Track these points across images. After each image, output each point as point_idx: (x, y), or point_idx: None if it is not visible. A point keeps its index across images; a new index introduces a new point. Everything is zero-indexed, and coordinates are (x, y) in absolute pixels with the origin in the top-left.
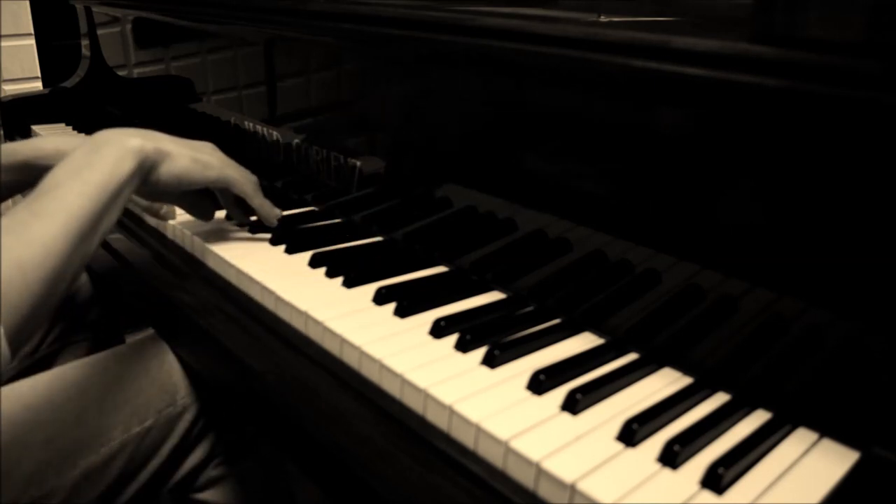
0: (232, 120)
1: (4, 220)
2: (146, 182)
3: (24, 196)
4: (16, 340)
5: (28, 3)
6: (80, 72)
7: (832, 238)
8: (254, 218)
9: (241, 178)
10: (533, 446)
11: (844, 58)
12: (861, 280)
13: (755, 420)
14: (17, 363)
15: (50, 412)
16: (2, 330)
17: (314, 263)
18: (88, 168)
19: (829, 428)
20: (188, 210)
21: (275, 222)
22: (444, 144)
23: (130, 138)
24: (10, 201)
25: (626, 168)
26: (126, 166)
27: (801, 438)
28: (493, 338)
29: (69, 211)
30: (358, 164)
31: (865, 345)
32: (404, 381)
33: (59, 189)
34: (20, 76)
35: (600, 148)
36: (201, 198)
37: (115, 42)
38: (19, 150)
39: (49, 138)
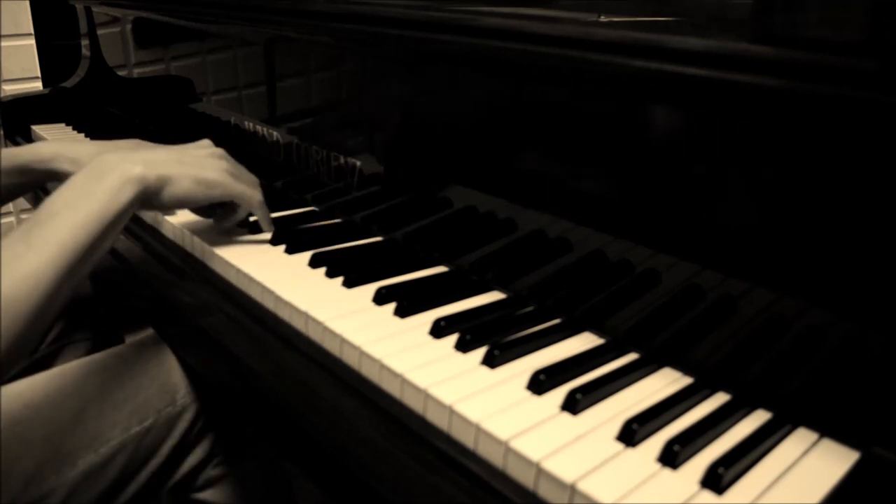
0: (232, 120)
1: (3, 252)
2: (147, 206)
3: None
4: None
5: (28, 3)
6: (80, 72)
7: (832, 238)
8: (253, 218)
9: (247, 194)
10: (533, 446)
11: (844, 58)
12: (861, 280)
13: (755, 420)
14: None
15: (49, 411)
16: None
17: (314, 263)
18: (86, 198)
19: (829, 428)
20: (197, 212)
21: (271, 232)
22: (444, 144)
23: (133, 167)
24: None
25: (626, 168)
26: (125, 196)
27: (801, 438)
28: (493, 338)
29: (62, 243)
30: (358, 163)
31: (865, 345)
32: (404, 381)
33: (55, 219)
34: (20, 76)
35: (600, 148)
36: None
37: (115, 42)
38: (19, 153)
39: (48, 143)
